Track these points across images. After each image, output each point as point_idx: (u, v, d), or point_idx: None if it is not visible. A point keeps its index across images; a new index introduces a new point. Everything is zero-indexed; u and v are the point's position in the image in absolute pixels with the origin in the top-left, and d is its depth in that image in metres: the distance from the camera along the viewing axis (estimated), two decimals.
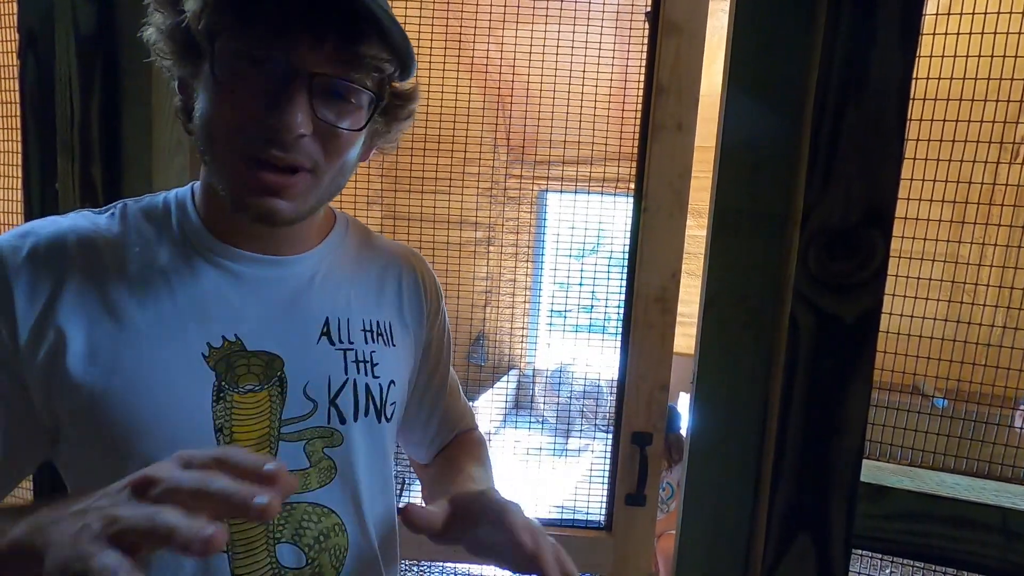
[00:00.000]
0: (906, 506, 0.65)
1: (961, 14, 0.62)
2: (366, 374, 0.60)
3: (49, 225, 0.54)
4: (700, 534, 0.68)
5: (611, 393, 1.21)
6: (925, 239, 0.71)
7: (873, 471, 0.68)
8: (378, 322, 0.63)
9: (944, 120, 0.65)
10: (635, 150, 1.12)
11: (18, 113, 0.92)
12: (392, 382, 0.62)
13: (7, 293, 0.50)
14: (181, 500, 0.35)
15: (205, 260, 0.56)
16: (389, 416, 0.62)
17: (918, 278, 0.73)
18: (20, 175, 0.93)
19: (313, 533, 0.56)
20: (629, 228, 1.12)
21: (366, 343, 0.61)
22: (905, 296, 0.72)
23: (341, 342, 0.59)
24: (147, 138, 0.95)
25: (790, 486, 0.61)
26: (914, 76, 0.56)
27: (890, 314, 0.67)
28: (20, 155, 0.92)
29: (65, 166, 0.90)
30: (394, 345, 0.64)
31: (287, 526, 0.55)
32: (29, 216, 0.92)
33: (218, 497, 0.35)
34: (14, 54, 0.91)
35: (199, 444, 0.52)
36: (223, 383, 0.53)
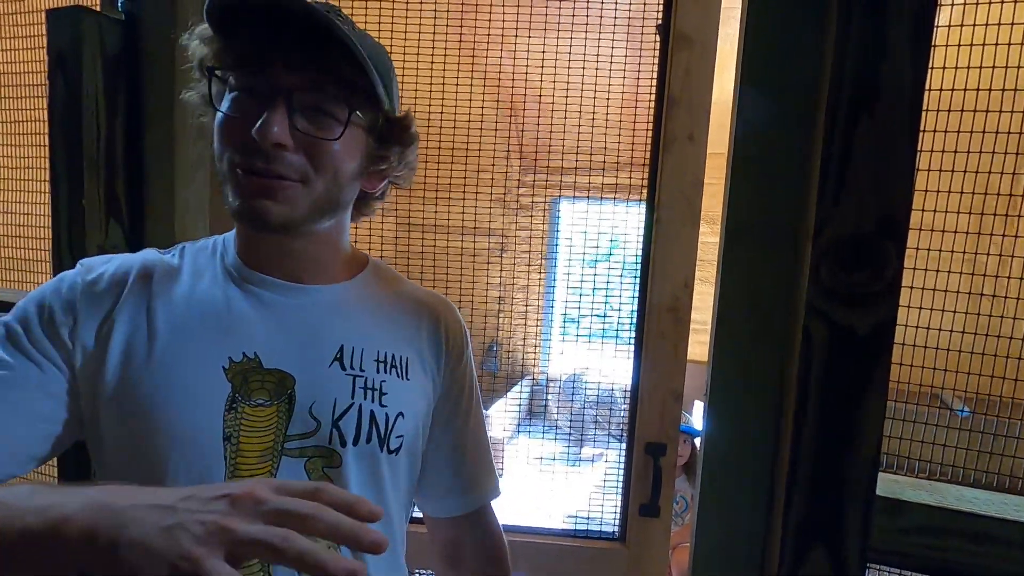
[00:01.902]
0: (924, 520, 0.64)
1: (974, 25, 0.62)
2: (373, 401, 0.62)
3: (124, 257, 0.65)
4: (714, 546, 0.68)
5: (625, 401, 1.20)
6: (941, 250, 0.70)
7: (890, 484, 0.68)
8: (394, 355, 0.66)
9: (959, 131, 0.64)
10: (647, 158, 1.12)
11: (47, 131, 0.95)
12: (400, 414, 0.64)
13: (76, 307, 0.59)
14: (293, 524, 0.36)
15: (237, 286, 0.63)
16: (393, 448, 0.63)
17: (934, 289, 0.72)
18: (49, 190, 0.96)
19: None
20: (641, 236, 1.12)
21: (378, 372, 0.64)
22: (921, 308, 0.71)
23: (352, 368, 0.62)
24: (169, 154, 0.98)
25: (804, 498, 0.61)
26: (928, 87, 0.56)
27: (907, 326, 0.67)
28: (49, 171, 0.95)
29: (91, 182, 0.93)
30: (408, 379, 0.66)
31: None
32: (57, 229, 0.95)
33: (330, 527, 0.36)
34: (44, 75, 0.94)
35: (207, 448, 0.56)
36: (236, 395, 0.57)
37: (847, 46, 0.57)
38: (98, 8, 0.97)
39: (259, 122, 0.55)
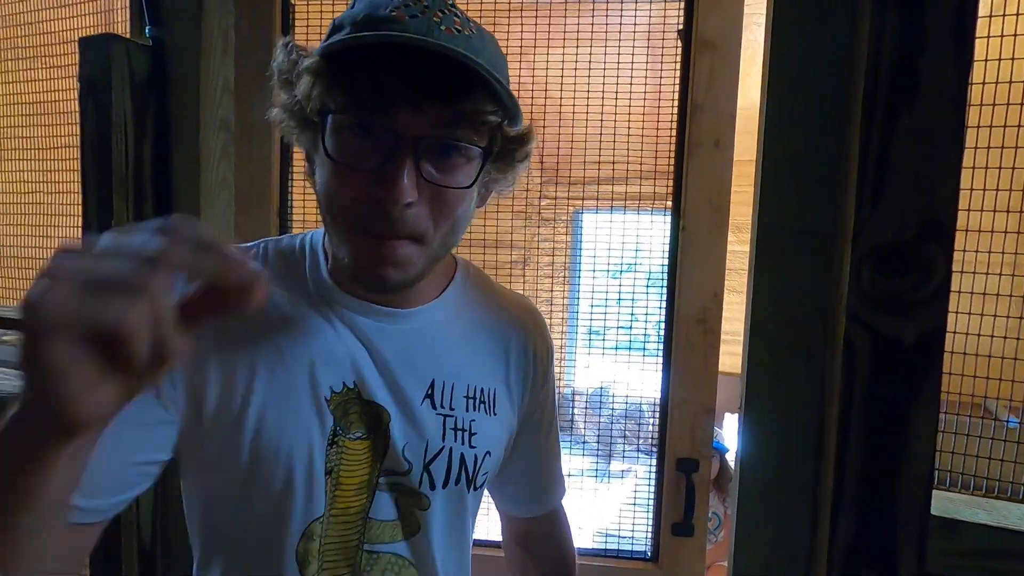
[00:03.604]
0: (983, 542, 0.59)
1: (1017, 14, 0.58)
2: (463, 443, 0.61)
3: None
4: (754, 571, 0.64)
5: (653, 414, 1.17)
6: (978, 251, 0.66)
7: (944, 503, 0.63)
8: (482, 389, 0.64)
9: (1005, 126, 0.61)
10: (671, 167, 1.10)
11: (79, 156, 0.97)
12: (488, 452, 0.63)
13: None
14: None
15: (331, 309, 0.59)
16: (479, 485, 0.64)
17: (971, 292, 0.68)
18: (80, 213, 0.98)
19: None
20: (667, 246, 1.10)
21: (467, 411, 0.62)
22: (959, 312, 0.67)
23: (443, 407, 0.61)
24: (195, 177, 0.99)
25: (852, 520, 0.57)
26: (970, 80, 0.53)
27: (953, 333, 0.63)
28: (81, 195, 0.97)
29: (120, 204, 0.95)
30: (495, 414, 0.65)
31: (373, 572, 0.58)
32: None
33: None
34: (76, 101, 0.97)
35: (311, 482, 0.55)
36: (338, 427, 0.56)
37: (882, 42, 0.54)
38: (127, 35, 1.00)
39: (387, 180, 0.48)
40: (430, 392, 0.60)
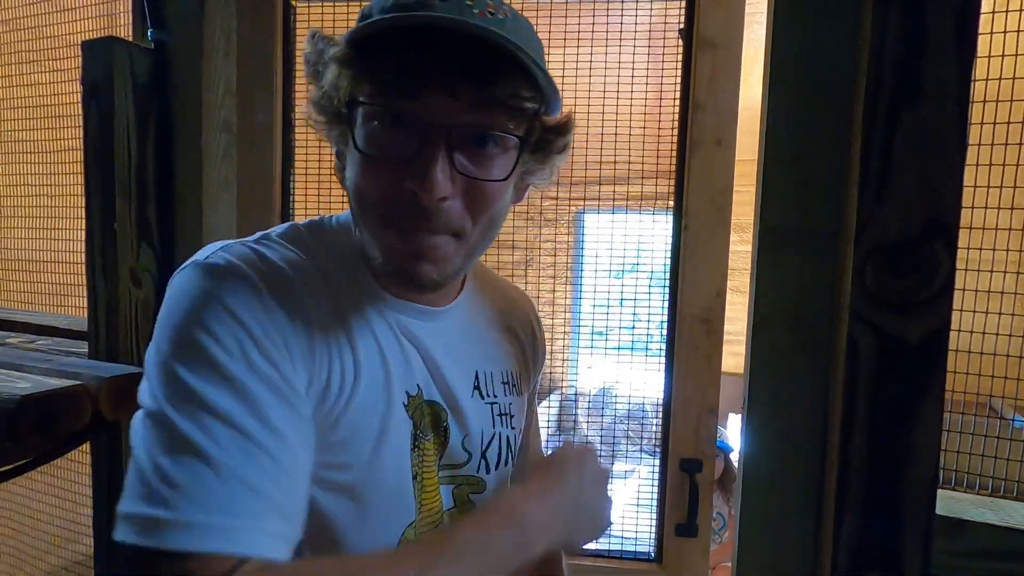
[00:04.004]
0: (990, 542, 0.59)
1: (1021, 10, 0.58)
2: (506, 426, 0.63)
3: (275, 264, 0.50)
4: (758, 572, 0.64)
5: (656, 414, 1.17)
6: (983, 248, 0.66)
7: (950, 503, 0.63)
8: (512, 373, 0.66)
9: (1009, 123, 0.61)
10: (672, 167, 1.10)
11: (82, 159, 0.98)
12: (521, 430, 0.66)
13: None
14: None
15: (386, 308, 0.55)
16: (516, 461, 0.66)
17: (976, 290, 0.67)
18: (84, 216, 0.99)
19: None
20: (669, 246, 1.09)
21: (506, 396, 0.64)
22: (963, 310, 0.67)
23: (488, 395, 0.62)
24: (197, 178, 1.00)
25: (857, 520, 0.57)
26: (973, 77, 0.53)
27: (952, 330, 0.63)
28: (84, 197, 0.98)
29: (123, 207, 0.95)
30: (522, 394, 0.68)
31: None
32: (91, 253, 0.97)
33: None
34: (79, 104, 0.97)
35: (402, 488, 0.54)
36: (417, 431, 0.55)
37: (884, 40, 0.54)
38: (130, 38, 1.00)
39: (419, 172, 0.46)
40: (476, 384, 0.61)
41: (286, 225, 0.57)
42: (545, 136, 0.54)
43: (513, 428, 0.64)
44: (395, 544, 0.54)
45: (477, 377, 0.61)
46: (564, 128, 0.55)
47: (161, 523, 0.37)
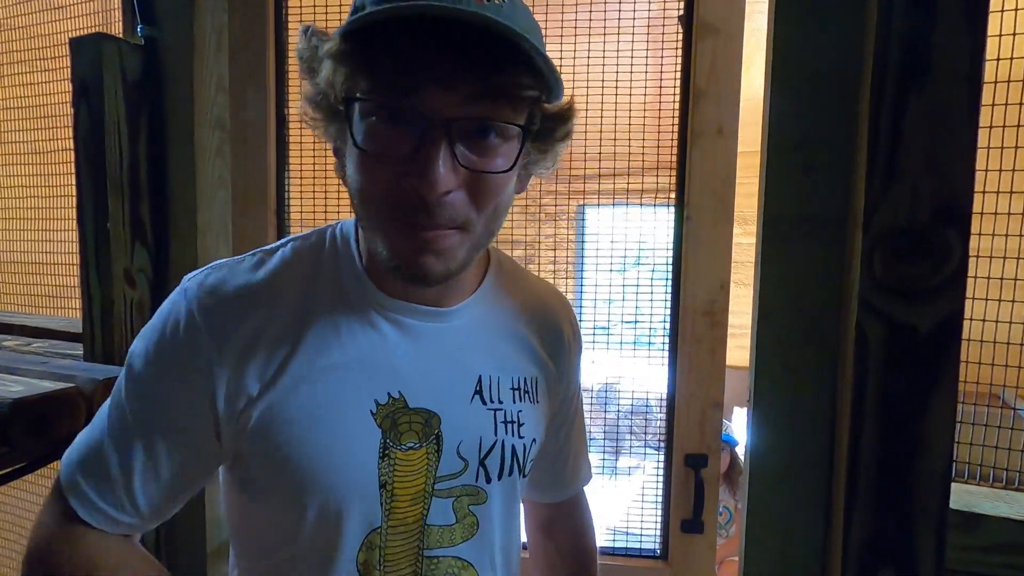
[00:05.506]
0: (1006, 536, 0.57)
1: None
2: (513, 435, 0.60)
3: (239, 276, 0.56)
4: (766, 568, 0.62)
5: (660, 409, 1.15)
6: (993, 234, 0.64)
7: (963, 496, 0.61)
8: (526, 379, 0.63)
9: (1021, 103, 0.59)
10: (673, 160, 1.08)
11: (74, 159, 0.96)
12: (534, 440, 0.63)
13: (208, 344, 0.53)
14: None
15: (371, 309, 0.56)
16: (528, 472, 0.64)
17: (987, 277, 0.65)
18: (76, 217, 0.97)
19: None
20: (671, 239, 1.08)
21: (514, 402, 0.61)
22: (975, 298, 0.65)
23: (492, 401, 0.60)
24: (191, 176, 0.98)
25: (867, 515, 0.56)
26: (984, 57, 0.51)
27: (969, 320, 0.61)
28: (76, 198, 0.96)
29: (116, 206, 0.94)
30: (538, 402, 0.64)
31: None
32: (84, 255, 0.96)
33: None
34: (69, 104, 0.95)
35: (366, 496, 0.53)
36: (388, 440, 0.54)
37: (891, 18, 0.52)
38: (119, 35, 0.99)
39: (421, 167, 0.45)
40: (478, 388, 0.59)
41: (285, 240, 0.60)
42: (547, 124, 0.53)
43: (522, 437, 0.61)
44: (357, 549, 0.55)
45: (480, 381, 0.59)
46: (566, 115, 0.54)
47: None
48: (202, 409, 0.53)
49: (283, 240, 0.60)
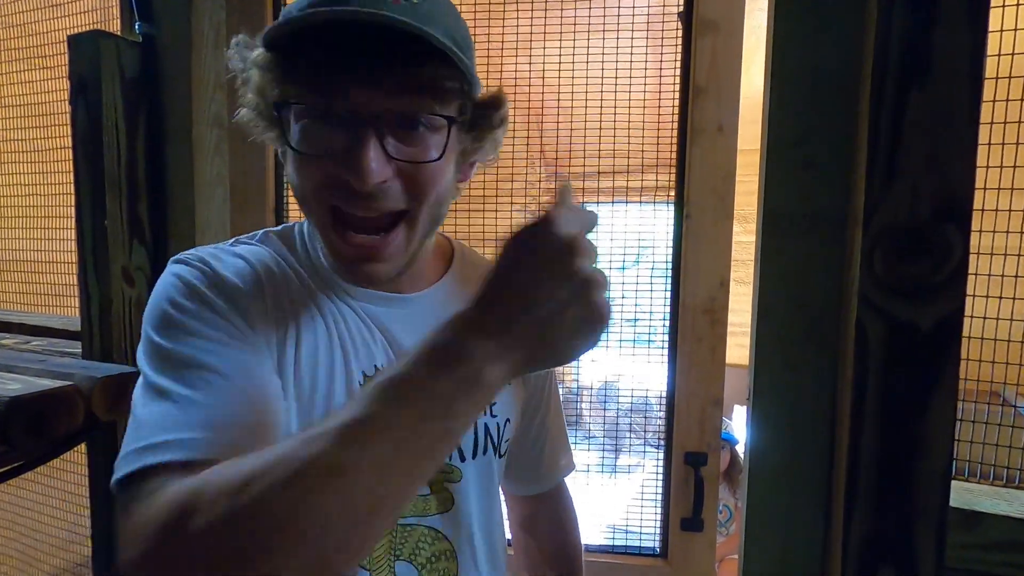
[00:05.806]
0: (1006, 534, 0.57)
1: None
2: (486, 414, 0.62)
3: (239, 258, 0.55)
4: (766, 567, 0.62)
5: (660, 407, 1.15)
6: (994, 231, 0.64)
7: (964, 494, 0.61)
8: None
9: (1022, 100, 0.58)
10: (673, 158, 1.08)
11: (71, 156, 0.96)
12: (508, 420, 0.65)
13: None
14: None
15: (337, 296, 0.57)
16: (503, 452, 0.65)
17: (988, 275, 0.65)
18: (74, 215, 0.97)
19: (426, 554, 0.59)
20: (671, 237, 1.07)
21: None
22: (975, 296, 0.65)
23: None
24: (189, 174, 0.98)
25: (867, 513, 0.55)
26: (985, 53, 0.50)
27: (970, 317, 0.61)
28: (74, 196, 0.96)
29: (114, 204, 0.94)
30: (510, 383, 0.64)
31: (406, 545, 0.58)
32: (82, 253, 0.96)
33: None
34: (67, 101, 0.95)
35: None
36: None
37: (891, 15, 0.52)
38: (117, 32, 0.98)
39: (353, 162, 0.47)
40: None
41: (259, 231, 0.61)
42: (479, 113, 0.55)
43: (495, 416, 0.63)
44: None
45: None
46: (497, 103, 0.56)
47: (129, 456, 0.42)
48: (251, 325, 0.50)
49: (257, 231, 0.61)
